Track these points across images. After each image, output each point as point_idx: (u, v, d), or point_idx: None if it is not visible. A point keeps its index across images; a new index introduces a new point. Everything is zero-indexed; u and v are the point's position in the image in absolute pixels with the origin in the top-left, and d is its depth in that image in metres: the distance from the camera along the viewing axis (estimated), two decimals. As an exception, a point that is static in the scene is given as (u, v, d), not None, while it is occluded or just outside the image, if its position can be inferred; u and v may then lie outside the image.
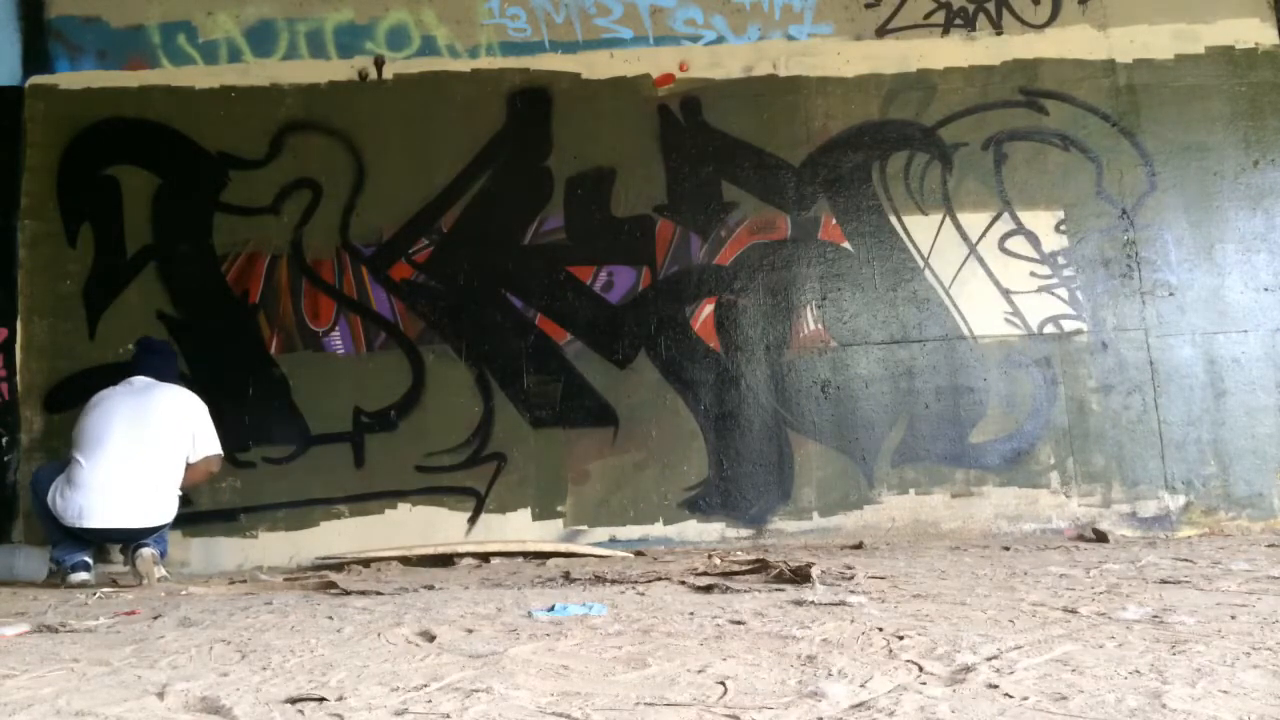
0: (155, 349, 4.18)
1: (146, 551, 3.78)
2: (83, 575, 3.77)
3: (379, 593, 3.19)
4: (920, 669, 1.75)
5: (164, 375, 4.09)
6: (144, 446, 3.84)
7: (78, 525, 3.73)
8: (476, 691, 1.69)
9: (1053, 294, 4.63)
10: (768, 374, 4.59)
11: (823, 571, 3.10)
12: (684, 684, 1.70)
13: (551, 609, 2.62)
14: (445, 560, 4.18)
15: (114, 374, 4.47)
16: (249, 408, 4.51)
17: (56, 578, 3.84)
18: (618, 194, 4.68)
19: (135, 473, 3.81)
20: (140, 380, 4.03)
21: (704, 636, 2.15)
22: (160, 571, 3.81)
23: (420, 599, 3.00)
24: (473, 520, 4.46)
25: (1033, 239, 4.66)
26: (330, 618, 2.65)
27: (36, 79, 4.68)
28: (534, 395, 4.55)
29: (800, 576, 2.98)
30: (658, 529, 4.47)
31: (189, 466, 3.99)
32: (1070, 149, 4.72)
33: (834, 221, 4.69)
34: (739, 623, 2.31)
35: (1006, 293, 4.63)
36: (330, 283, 4.61)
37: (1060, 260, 4.65)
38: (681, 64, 4.77)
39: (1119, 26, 4.79)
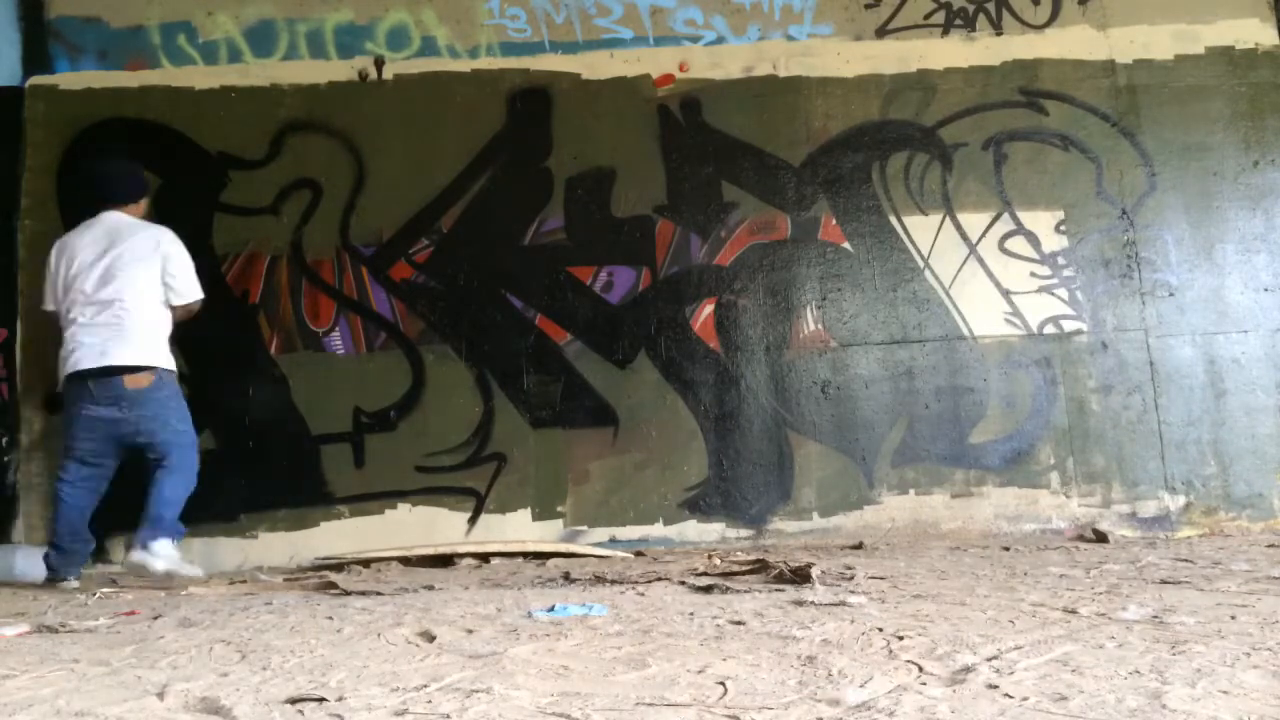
0: (113, 172, 4.05)
1: (133, 556, 3.66)
2: (73, 584, 3.79)
3: (379, 593, 3.19)
4: (920, 669, 1.75)
5: (130, 197, 4.00)
6: (122, 294, 3.78)
7: (76, 370, 3.70)
8: (476, 692, 1.69)
9: (1053, 294, 4.63)
10: (768, 374, 4.59)
11: (823, 572, 3.10)
12: (684, 684, 1.70)
13: (551, 609, 2.62)
14: (445, 560, 4.18)
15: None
16: (249, 408, 4.51)
17: (52, 580, 3.84)
18: (618, 194, 4.68)
19: (118, 317, 3.76)
20: (110, 219, 3.91)
21: (704, 637, 2.15)
22: (159, 564, 3.66)
23: (420, 599, 3.00)
24: (473, 520, 4.46)
25: (1033, 239, 4.66)
26: (330, 618, 2.65)
27: (36, 79, 4.68)
28: (534, 395, 4.55)
29: (800, 577, 2.98)
30: (658, 529, 4.47)
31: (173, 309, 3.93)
32: (1070, 149, 4.72)
33: (834, 222, 4.69)
34: (739, 623, 2.31)
35: (1006, 293, 4.63)
36: (330, 283, 4.61)
37: (1060, 260, 4.65)
38: (681, 64, 4.77)
39: (1119, 27, 4.79)
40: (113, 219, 3.97)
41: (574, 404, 4.55)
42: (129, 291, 3.81)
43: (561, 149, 4.71)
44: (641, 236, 4.66)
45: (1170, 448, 4.50)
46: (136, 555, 3.67)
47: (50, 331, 4.49)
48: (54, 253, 3.97)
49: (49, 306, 3.98)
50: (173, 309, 3.95)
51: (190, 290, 3.97)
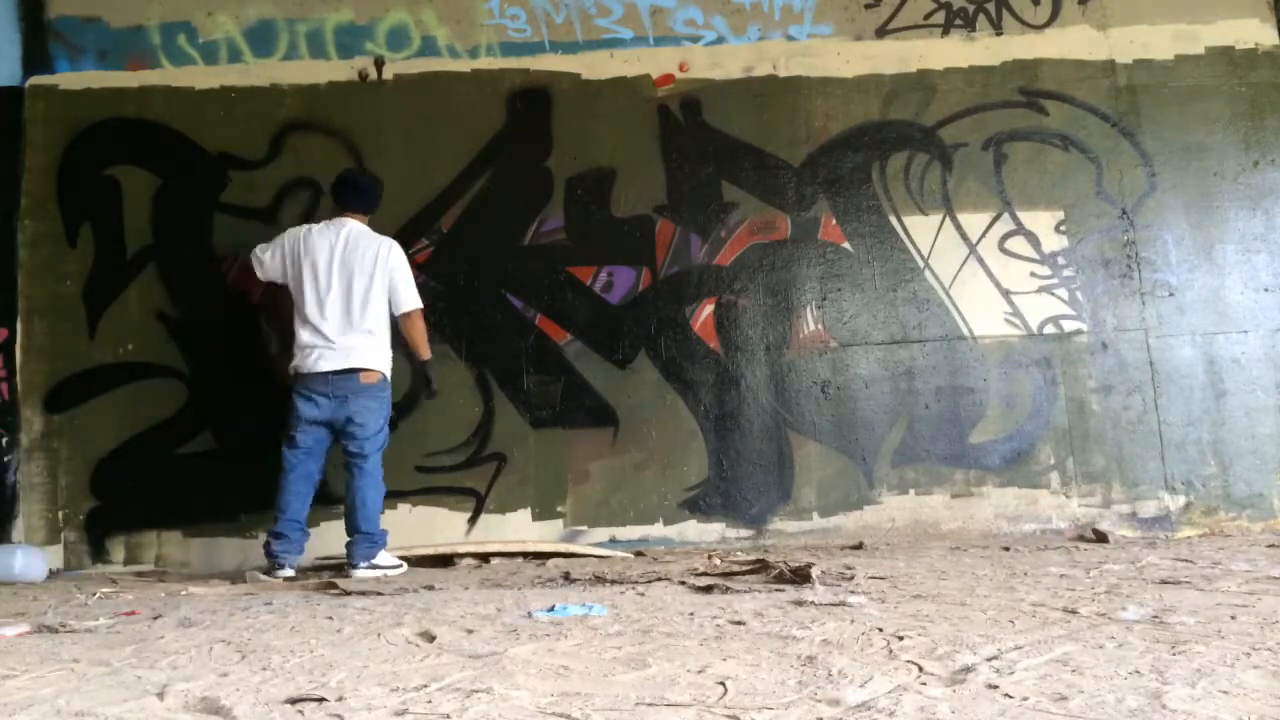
0: (360, 185, 4.18)
1: (356, 574, 3.83)
2: (288, 571, 3.85)
3: (379, 593, 3.19)
4: (920, 669, 1.75)
5: (369, 207, 4.19)
6: (355, 296, 3.98)
7: (314, 371, 3.91)
8: (476, 692, 1.69)
9: (1053, 294, 4.63)
10: (768, 374, 4.59)
11: (823, 572, 3.11)
12: (684, 684, 1.70)
13: (551, 609, 2.62)
14: (445, 560, 4.18)
15: (112, 374, 4.50)
16: (249, 408, 4.50)
17: (262, 567, 3.89)
18: (618, 194, 4.68)
19: (353, 321, 3.96)
20: (351, 226, 4.07)
21: (704, 637, 2.15)
22: (361, 573, 3.82)
23: (420, 599, 3.00)
24: (473, 520, 4.46)
25: (1033, 239, 4.66)
26: (330, 618, 2.65)
27: (36, 79, 4.68)
28: (534, 395, 4.55)
29: (800, 577, 2.98)
30: (658, 529, 4.47)
31: (402, 320, 4.10)
32: (1070, 149, 4.72)
33: (834, 222, 4.69)
34: (739, 623, 2.31)
35: (1006, 293, 4.63)
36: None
37: (1060, 260, 4.65)
38: (681, 64, 4.77)
39: (1119, 27, 4.79)
40: (353, 230, 4.09)
41: (574, 404, 4.55)
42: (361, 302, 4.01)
43: (561, 149, 4.70)
44: (641, 236, 4.66)
45: (1170, 448, 4.50)
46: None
47: (50, 333, 4.51)
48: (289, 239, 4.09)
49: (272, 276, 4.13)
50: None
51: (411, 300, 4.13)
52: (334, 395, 3.92)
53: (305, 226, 4.11)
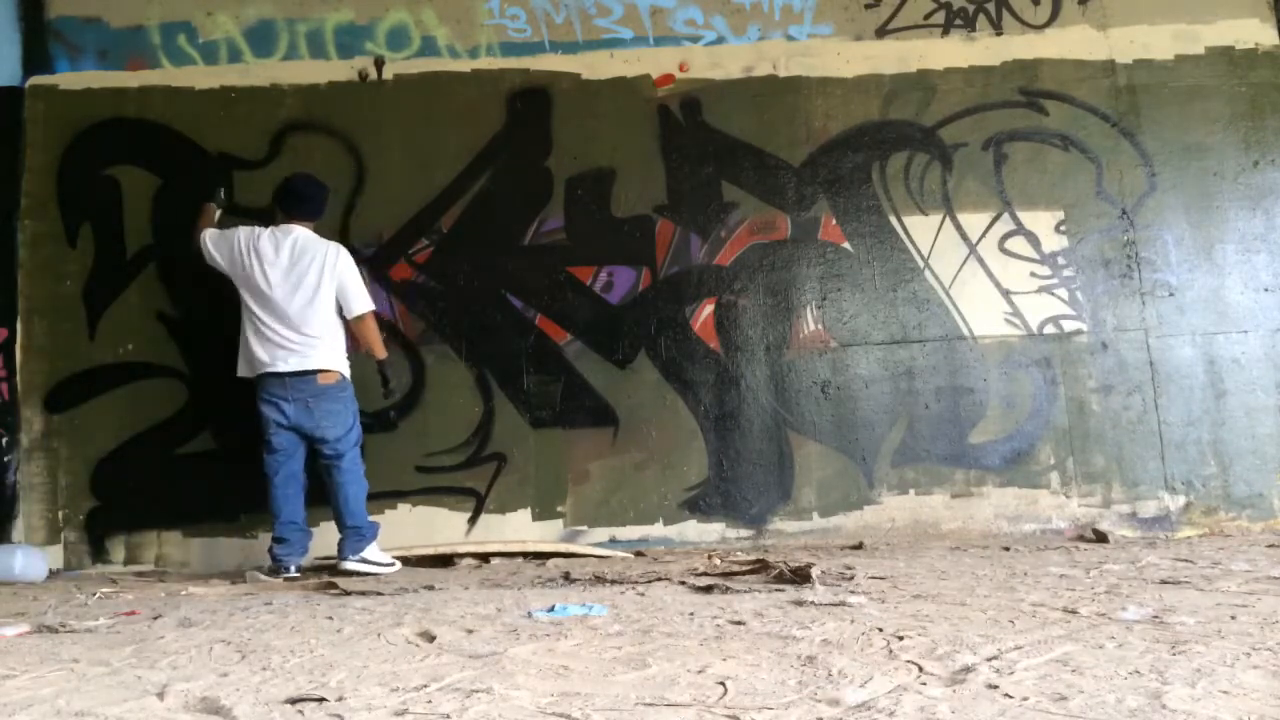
0: (306, 194, 4.17)
1: (345, 565, 3.88)
2: (293, 573, 3.88)
3: (379, 593, 3.19)
4: (920, 669, 1.75)
5: (315, 214, 4.17)
6: (303, 301, 3.98)
7: (266, 372, 3.93)
8: (476, 692, 1.69)
9: (1053, 294, 4.63)
10: (768, 374, 4.59)
11: (823, 572, 3.11)
12: (684, 684, 1.70)
13: (551, 609, 2.62)
14: (445, 560, 4.18)
15: (112, 374, 4.50)
16: (249, 408, 4.50)
17: (266, 570, 3.91)
18: (618, 194, 4.68)
19: (301, 325, 3.96)
20: (298, 233, 4.06)
21: (704, 637, 2.15)
22: (349, 565, 3.88)
23: (420, 599, 3.00)
24: (473, 520, 4.46)
25: (1033, 239, 4.66)
26: (330, 618, 2.65)
27: (36, 79, 4.68)
28: (534, 395, 4.55)
29: (800, 577, 2.98)
30: (658, 529, 4.47)
31: (354, 324, 4.09)
32: (1070, 149, 4.72)
33: (834, 222, 4.69)
34: (739, 623, 2.31)
35: (1006, 293, 4.63)
36: (330, 283, 4.60)
37: (1060, 260, 4.65)
38: (681, 64, 4.77)
39: (1119, 27, 4.79)
40: (300, 232, 4.09)
41: (574, 404, 4.55)
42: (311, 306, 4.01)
43: (561, 149, 4.70)
44: (641, 236, 4.66)
45: (1170, 448, 4.50)
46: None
47: (50, 333, 4.51)
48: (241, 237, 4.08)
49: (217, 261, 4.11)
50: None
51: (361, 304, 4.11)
52: (294, 399, 3.93)
53: (257, 230, 4.09)
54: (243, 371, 4.04)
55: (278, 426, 3.95)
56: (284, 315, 3.95)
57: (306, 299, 3.97)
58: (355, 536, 3.92)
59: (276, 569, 3.87)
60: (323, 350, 3.98)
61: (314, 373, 3.95)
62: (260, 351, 3.95)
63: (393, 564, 4.00)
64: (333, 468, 3.97)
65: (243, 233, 4.08)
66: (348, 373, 4.08)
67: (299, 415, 3.94)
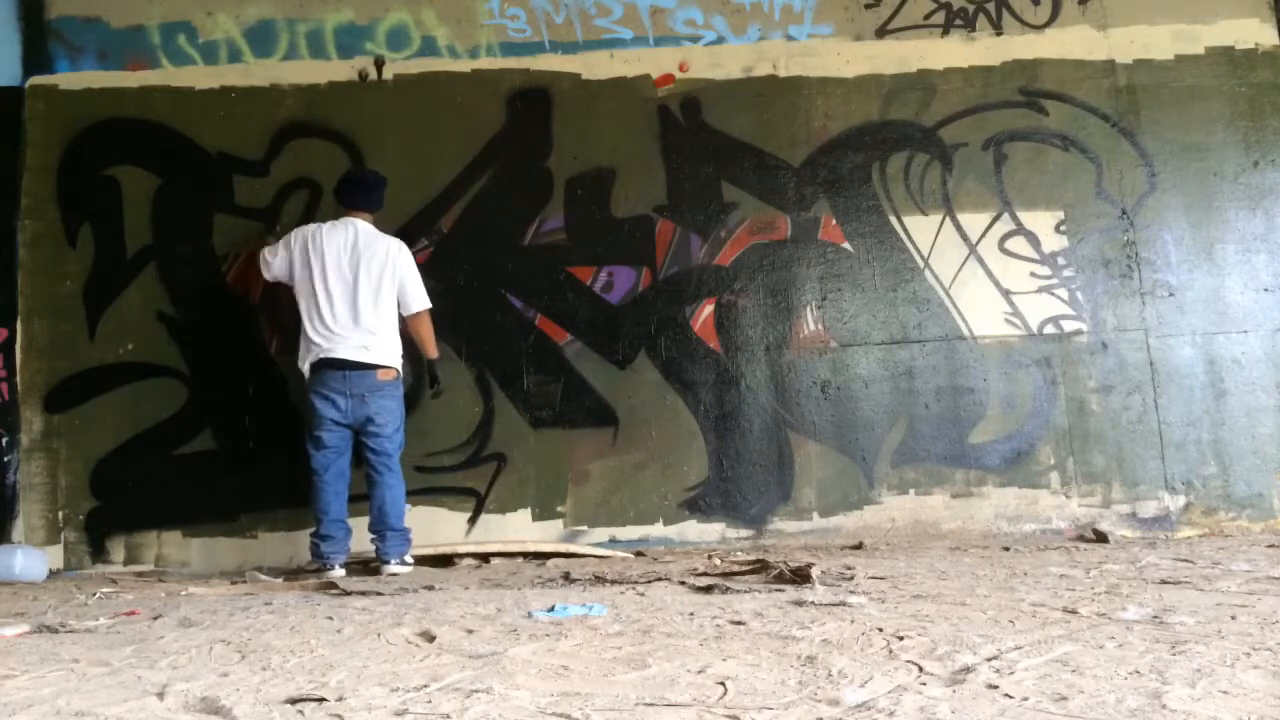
0: (367, 184, 4.20)
1: (388, 569, 3.91)
2: (339, 571, 3.90)
3: (379, 593, 3.19)
4: (920, 669, 1.75)
5: (376, 206, 4.20)
6: (365, 295, 3.99)
7: (325, 360, 3.93)
8: (476, 692, 1.69)
9: (1053, 294, 4.63)
10: (768, 374, 4.59)
11: (823, 572, 3.11)
12: (684, 684, 1.70)
13: (551, 609, 2.62)
14: (445, 560, 4.18)
15: (112, 374, 4.50)
16: (249, 408, 4.51)
17: (310, 567, 3.94)
18: (618, 194, 4.68)
19: (363, 320, 3.97)
20: (360, 226, 4.08)
21: (704, 637, 2.15)
22: (394, 568, 3.92)
23: (420, 599, 3.00)
24: (473, 520, 4.46)
25: (1033, 239, 4.66)
26: (330, 618, 2.65)
27: (36, 79, 4.68)
28: (534, 395, 4.55)
29: (800, 577, 2.98)
30: (658, 529, 4.47)
31: (411, 320, 4.13)
32: (1070, 149, 4.72)
33: (834, 222, 4.69)
34: (739, 623, 2.31)
35: (1006, 293, 4.63)
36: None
37: (1060, 260, 4.65)
38: (681, 64, 4.77)
39: (1119, 27, 4.79)
40: (361, 231, 4.10)
41: (574, 404, 4.55)
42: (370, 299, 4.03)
43: (561, 149, 4.70)
44: (641, 236, 4.66)
45: (1170, 448, 4.50)
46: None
47: (50, 333, 4.51)
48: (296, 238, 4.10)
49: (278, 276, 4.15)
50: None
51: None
52: (351, 394, 3.93)
53: (313, 226, 4.12)
54: (302, 365, 4.04)
55: (331, 423, 3.95)
56: (345, 308, 3.96)
57: (369, 294, 3.98)
58: (401, 539, 3.97)
59: (321, 567, 3.89)
60: (382, 345, 4.00)
61: (374, 367, 3.96)
62: (320, 342, 3.95)
63: (412, 563, 4.06)
64: (381, 466, 3.98)
65: (298, 232, 4.11)
66: (402, 370, 4.09)
67: (355, 410, 3.94)
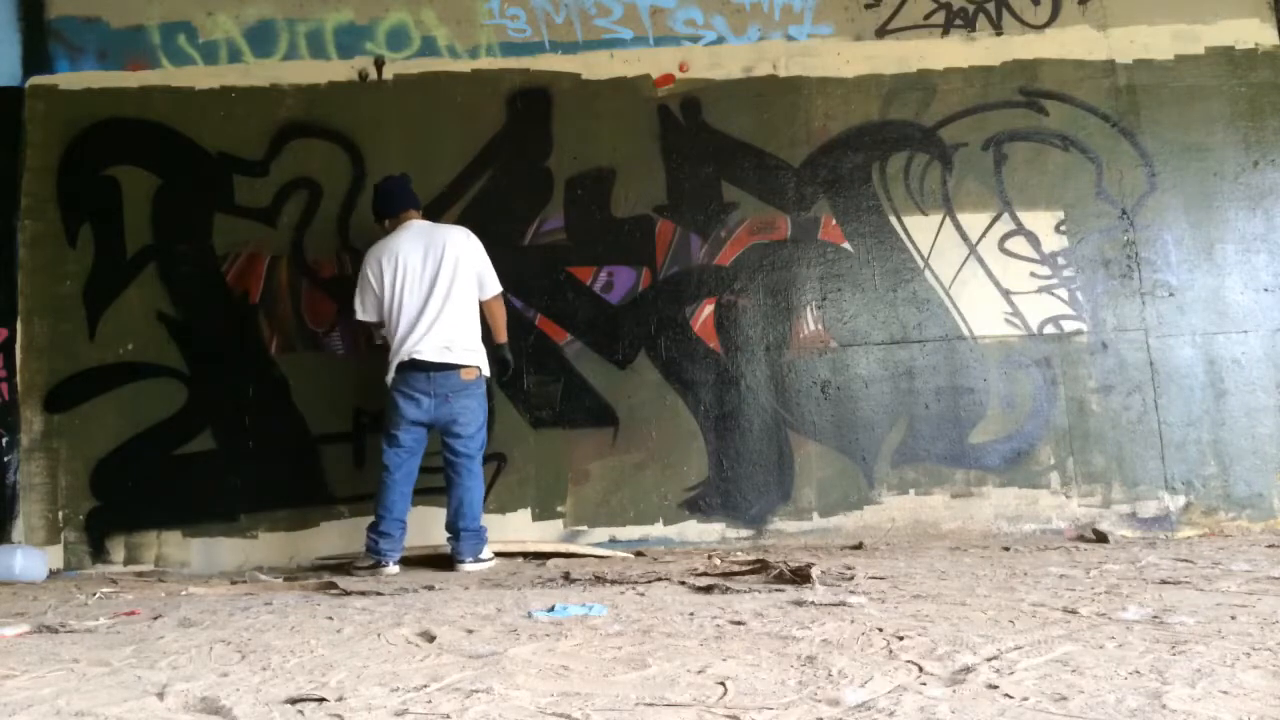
0: (407, 185, 4.22)
1: (464, 568, 3.93)
2: (393, 569, 3.91)
3: (379, 593, 3.19)
4: (920, 669, 1.75)
5: (416, 203, 4.23)
6: (442, 292, 3.99)
7: (413, 360, 3.92)
8: (476, 692, 1.69)
9: (1053, 294, 4.63)
10: (768, 374, 4.59)
11: (823, 572, 3.11)
12: (684, 684, 1.70)
13: (551, 609, 2.62)
14: (445, 560, 4.18)
15: (112, 374, 4.50)
16: (249, 408, 4.51)
17: (365, 562, 3.94)
18: (618, 194, 4.68)
19: (441, 317, 3.97)
20: (418, 225, 4.11)
21: (704, 637, 2.15)
22: (469, 566, 3.94)
23: (420, 599, 3.00)
24: (473, 520, 4.45)
25: (1033, 239, 4.66)
26: (330, 618, 2.65)
27: (36, 79, 4.68)
28: (534, 395, 4.55)
29: (800, 577, 2.98)
30: (658, 529, 4.47)
31: (487, 304, 4.15)
32: (1070, 149, 4.72)
33: (834, 222, 4.69)
34: (739, 623, 2.31)
35: (1006, 293, 4.63)
36: (330, 283, 4.61)
37: (1060, 261, 4.65)
38: (681, 64, 4.77)
39: (1119, 27, 4.79)
40: (421, 226, 4.12)
41: (574, 404, 4.55)
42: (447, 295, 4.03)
43: (561, 149, 4.70)
44: (641, 236, 4.66)
45: (1170, 448, 4.50)
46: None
47: (50, 333, 4.51)
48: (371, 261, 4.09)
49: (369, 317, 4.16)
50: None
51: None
52: (435, 394, 3.93)
53: (372, 248, 4.11)
54: (390, 368, 4.01)
55: (410, 423, 3.95)
56: (423, 307, 3.96)
57: (444, 290, 3.98)
58: (476, 539, 3.97)
59: (377, 563, 3.90)
60: (464, 344, 3.99)
61: (457, 367, 3.96)
62: (404, 344, 3.95)
63: (493, 559, 4.07)
64: (461, 467, 3.97)
65: (365, 264, 4.11)
66: (486, 370, 4.09)
67: (437, 410, 3.94)
